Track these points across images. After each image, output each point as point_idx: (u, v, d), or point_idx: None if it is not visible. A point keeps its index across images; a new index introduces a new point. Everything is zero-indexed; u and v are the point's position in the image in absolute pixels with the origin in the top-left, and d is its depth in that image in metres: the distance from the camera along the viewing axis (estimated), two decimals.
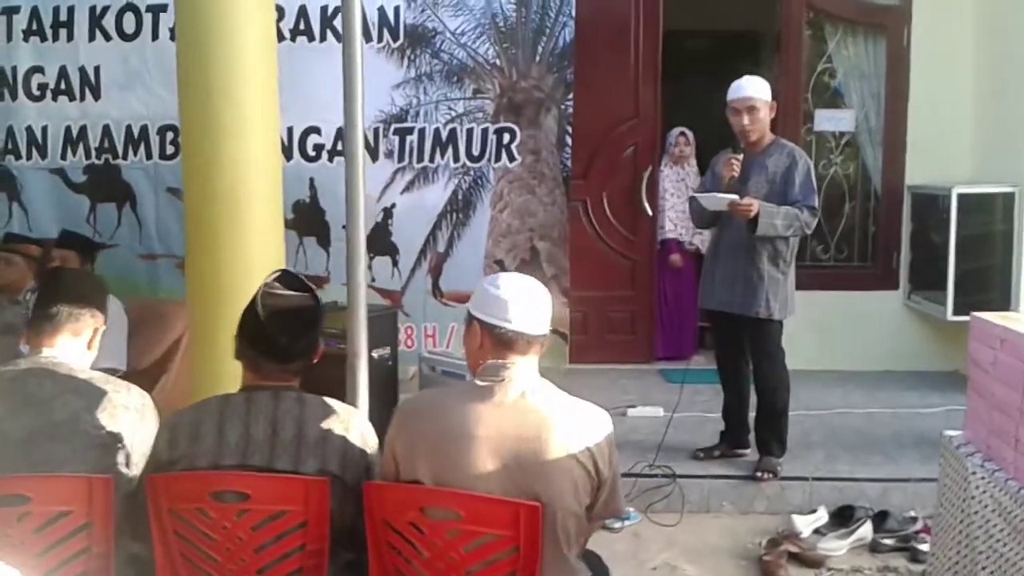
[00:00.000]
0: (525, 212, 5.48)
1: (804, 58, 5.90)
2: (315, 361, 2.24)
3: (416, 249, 5.45)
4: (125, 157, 5.40)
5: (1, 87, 5.36)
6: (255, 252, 3.92)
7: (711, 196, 3.93)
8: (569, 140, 5.47)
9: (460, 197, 5.43)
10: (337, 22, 5.27)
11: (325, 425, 2.13)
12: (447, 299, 5.48)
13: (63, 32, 5.31)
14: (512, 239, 5.51)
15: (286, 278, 2.23)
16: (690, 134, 6.06)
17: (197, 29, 3.79)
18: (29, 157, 5.43)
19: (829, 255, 6.05)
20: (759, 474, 4.08)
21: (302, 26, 5.26)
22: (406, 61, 5.31)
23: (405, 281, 5.44)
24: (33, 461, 2.14)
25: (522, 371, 2.04)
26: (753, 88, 3.93)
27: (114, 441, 2.24)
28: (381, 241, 5.41)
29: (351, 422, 2.19)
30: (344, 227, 5.24)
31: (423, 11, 5.29)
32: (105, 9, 5.27)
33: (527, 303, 2.06)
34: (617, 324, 6.10)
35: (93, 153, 5.41)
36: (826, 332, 5.71)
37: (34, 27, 5.31)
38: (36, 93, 5.36)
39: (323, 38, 5.26)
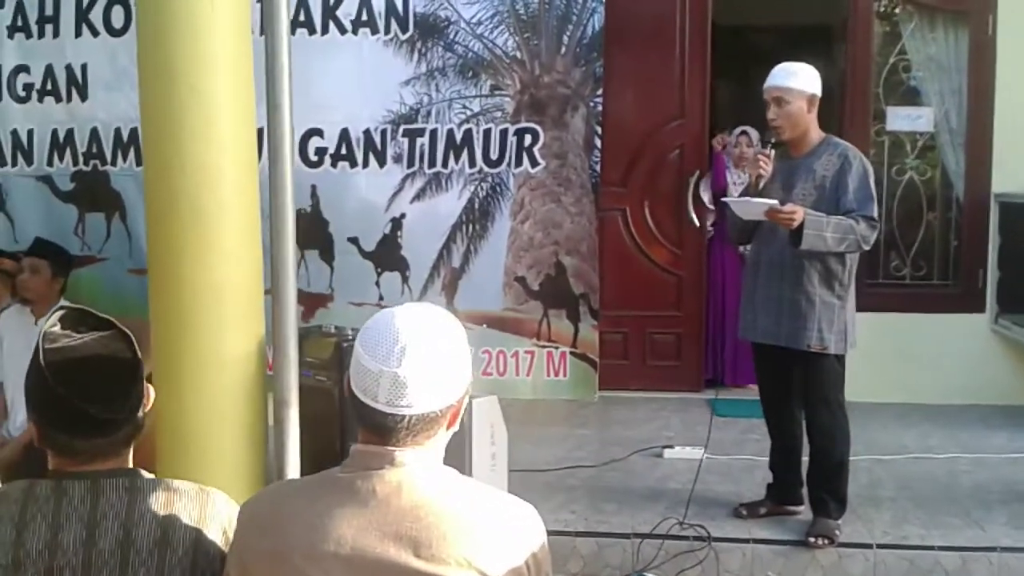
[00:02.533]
0: (549, 223, 4.89)
1: (874, 49, 5.22)
2: (138, 435, 1.64)
3: (428, 264, 4.92)
4: (114, 163, 4.99)
5: None
6: (225, 271, 3.42)
7: (744, 201, 3.31)
8: (599, 142, 4.87)
9: (476, 206, 4.88)
10: (340, 12, 4.82)
11: (167, 523, 1.54)
12: (463, 320, 4.87)
13: (49, 28, 4.93)
14: (535, 253, 4.92)
15: (73, 318, 1.60)
16: (754, 134, 5.41)
17: (159, 11, 3.33)
18: (14, 163, 5.05)
19: (904, 272, 5.35)
20: (812, 539, 3.42)
21: (302, 17, 4.77)
22: (416, 55, 4.79)
23: (417, 299, 4.89)
24: None
25: (406, 458, 1.42)
26: (784, 76, 3.35)
27: None
28: (390, 255, 4.90)
29: (208, 513, 1.60)
30: (349, 239, 4.89)
31: None
32: (92, 2, 4.88)
33: (416, 379, 1.40)
34: (661, 348, 5.46)
35: (81, 159, 5.01)
36: (900, 360, 5.05)
37: (19, 23, 4.94)
38: (21, 94, 4.98)
39: (325, 30, 4.78)
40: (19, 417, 4.07)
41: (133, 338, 1.58)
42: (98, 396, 1.51)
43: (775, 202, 3.20)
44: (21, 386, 4.27)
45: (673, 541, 3.51)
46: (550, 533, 3.61)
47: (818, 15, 6.31)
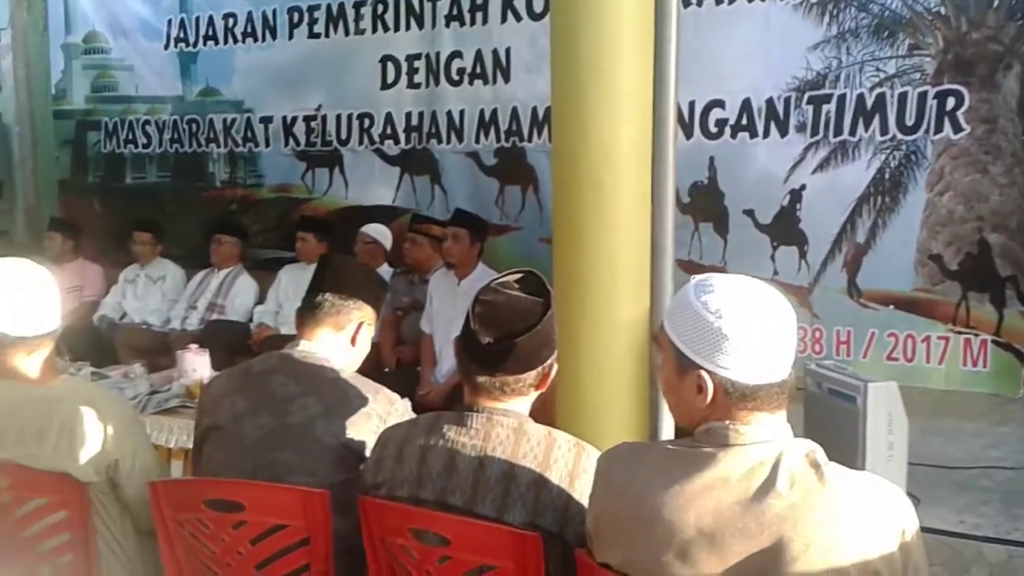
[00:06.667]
0: (973, 195, 4.37)
1: None
2: (541, 388, 1.80)
3: (829, 238, 4.62)
4: (530, 140, 5.35)
5: (427, 73, 5.61)
6: (619, 242, 3.57)
7: None
8: None
9: (887, 177, 4.49)
10: None
11: (544, 466, 1.68)
12: (866, 300, 4.60)
13: (479, 15, 5.39)
14: (954, 229, 4.43)
15: (526, 279, 1.81)
16: None
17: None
18: (448, 141, 5.61)
19: None
20: None
21: None
22: (827, 17, 4.51)
23: (815, 276, 4.67)
24: (262, 466, 2.00)
25: (766, 431, 1.38)
26: None
27: (352, 452, 2.02)
28: (787, 228, 4.69)
29: (582, 465, 1.71)
30: (745, 212, 4.80)
31: None
32: None
33: (769, 339, 1.39)
34: None
35: (503, 136, 5.43)
36: None
37: (455, 12, 5.47)
38: (455, 78, 5.52)
39: None
40: (445, 366, 4.58)
41: (552, 314, 1.76)
42: (491, 330, 1.71)
43: None
44: (448, 339, 4.83)
45: None
46: (953, 535, 3.33)
47: None
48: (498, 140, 5.46)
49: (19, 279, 2.03)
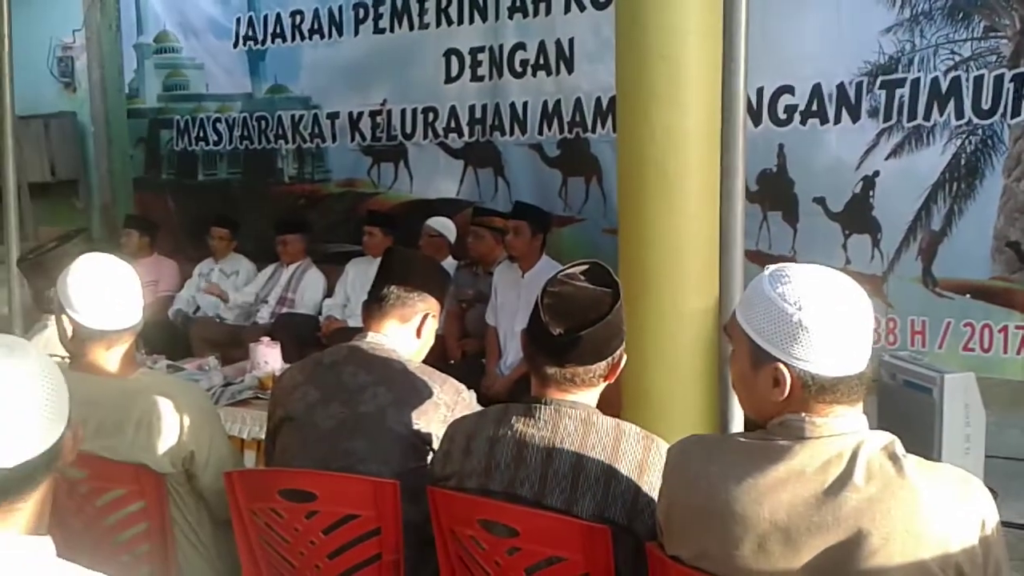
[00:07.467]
0: None
1: None
2: (610, 379, 1.79)
3: (903, 226, 4.49)
4: (593, 130, 5.30)
5: (490, 66, 5.61)
6: (686, 231, 3.54)
7: None
8: None
9: (963, 162, 4.35)
10: None
11: (614, 458, 1.68)
12: (942, 289, 4.47)
13: (542, 6, 5.36)
14: None
15: (592, 270, 1.80)
16: None
17: None
18: (512, 133, 5.60)
19: None
20: None
21: None
22: (899, 0, 4.40)
23: (888, 265, 4.55)
24: (334, 455, 2.03)
25: (843, 423, 1.35)
26: None
27: (421, 441, 2.04)
28: (859, 216, 4.57)
29: (650, 459, 1.70)
30: (815, 200, 4.70)
31: None
32: None
33: (849, 330, 1.35)
34: None
35: (566, 127, 5.40)
36: None
37: (518, 4, 5.44)
38: (518, 70, 5.50)
39: None
40: (510, 358, 4.59)
41: (621, 304, 1.74)
42: (561, 322, 1.70)
43: None
44: (512, 331, 4.83)
45: None
46: None
47: None
48: (561, 131, 5.43)
49: (103, 274, 2.08)
